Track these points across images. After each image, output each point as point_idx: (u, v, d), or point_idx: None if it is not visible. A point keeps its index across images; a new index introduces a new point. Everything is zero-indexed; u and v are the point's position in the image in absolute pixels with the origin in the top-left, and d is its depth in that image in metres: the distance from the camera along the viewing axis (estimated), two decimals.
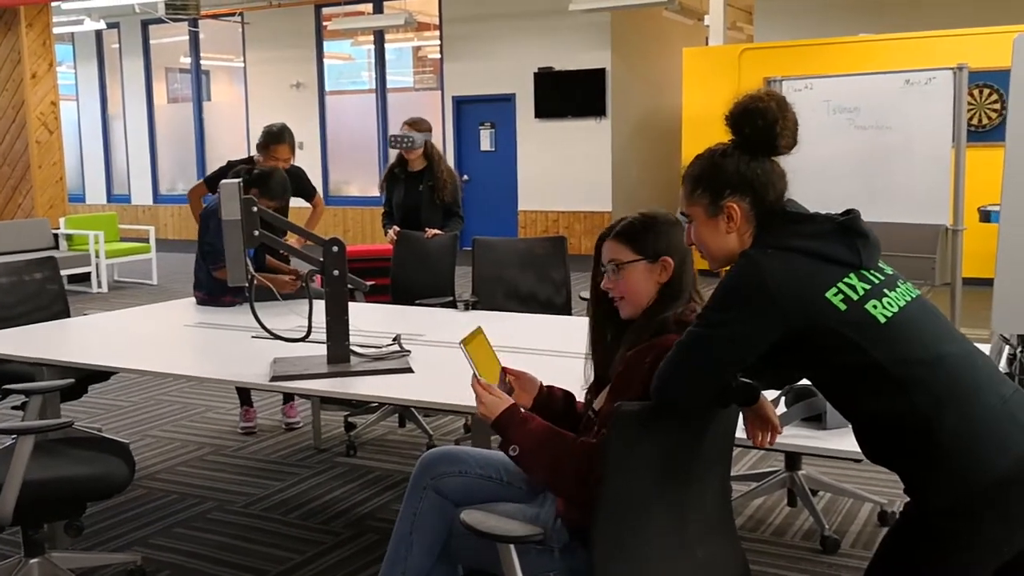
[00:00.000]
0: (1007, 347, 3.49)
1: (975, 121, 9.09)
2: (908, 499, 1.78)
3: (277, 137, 4.91)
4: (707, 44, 11.67)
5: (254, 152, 5.05)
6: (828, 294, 1.75)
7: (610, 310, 2.21)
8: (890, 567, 1.80)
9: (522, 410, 2.14)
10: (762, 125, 1.85)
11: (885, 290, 1.79)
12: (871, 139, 6.19)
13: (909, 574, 1.76)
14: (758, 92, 1.87)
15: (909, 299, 1.80)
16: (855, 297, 1.75)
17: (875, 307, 1.75)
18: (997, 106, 9.05)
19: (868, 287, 1.78)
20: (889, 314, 1.76)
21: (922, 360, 1.73)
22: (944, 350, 1.75)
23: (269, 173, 4.32)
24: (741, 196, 1.87)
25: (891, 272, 1.85)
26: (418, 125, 5.16)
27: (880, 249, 1.86)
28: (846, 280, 1.77)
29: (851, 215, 1.84)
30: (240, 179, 3.23)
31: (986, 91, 9.08)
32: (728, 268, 1.86)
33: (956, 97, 5.13)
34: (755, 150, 1.88)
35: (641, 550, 1.96)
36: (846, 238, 1.81)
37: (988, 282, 4.07)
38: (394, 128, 5.26)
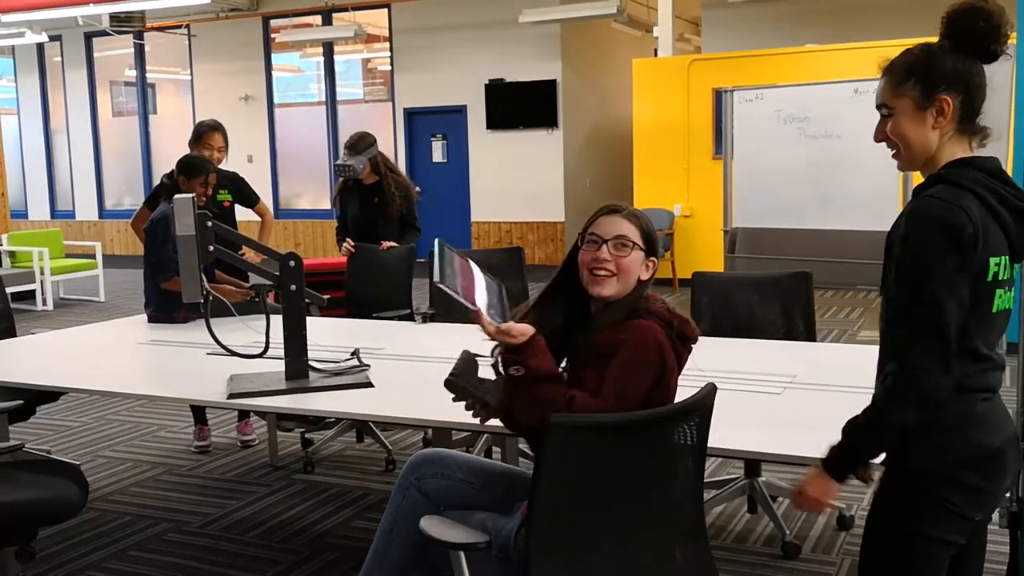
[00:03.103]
0: None
1: None
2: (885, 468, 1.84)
3: (211, 126, 4.94)
4: (656, 55, 11.77)
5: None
6: (991, 259, 1.75)
7: (573, 284, 2.24)
8: (876, 533, 1.86)
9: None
10: (984, 26, 1.77)
11: (1008, 288, 1.82)
12: (821, 148, 6.29)
13: (891, 535, 1.83)
14: None
15: (1010, 306, 1.84)
16: (1000, 277, 1.78)
17: (999, 296, 1.78)
18: None
19: (1008, 276, 1.80)
20: (1001, 308, 1.80)
21: (985, 356, 1.79)
22: (994, 355, 1.82)
23: (185, 157, 4.41)
24: (955, 92, 1.79)
25: (1015, 276, 1.87)
26: (356, 147, 5.01)
27: None
28: (1003, 257, 1.78)
29: None
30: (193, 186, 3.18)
31: None
32: (917, 198, 1.77)
33: None
34: (970, 51, 1.80)
35: (584, 565, 1.94)
36: (1022, 225, 1.79)
37: None
38: (345, 141, 5.17)
